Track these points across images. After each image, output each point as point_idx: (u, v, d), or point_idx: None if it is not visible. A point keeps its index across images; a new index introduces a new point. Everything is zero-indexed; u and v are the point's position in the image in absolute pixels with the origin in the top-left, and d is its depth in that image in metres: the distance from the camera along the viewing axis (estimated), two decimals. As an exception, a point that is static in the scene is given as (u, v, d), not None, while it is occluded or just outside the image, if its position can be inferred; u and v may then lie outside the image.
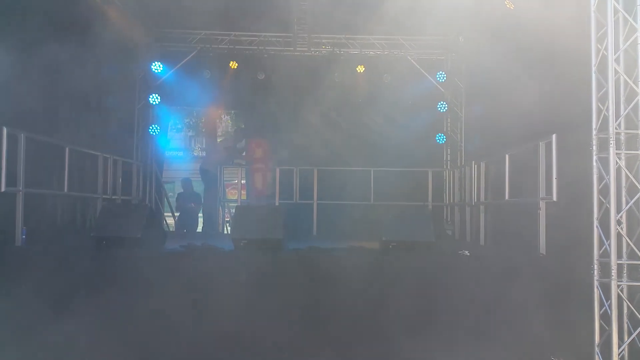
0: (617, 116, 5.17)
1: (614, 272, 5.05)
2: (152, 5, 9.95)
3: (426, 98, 11.99)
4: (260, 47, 11.93)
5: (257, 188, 12.06)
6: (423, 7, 8.88)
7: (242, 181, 12.62)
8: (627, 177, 5.21)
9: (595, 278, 5.19)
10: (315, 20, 10.58)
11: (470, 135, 11.55)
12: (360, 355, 6.04)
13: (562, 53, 6.42)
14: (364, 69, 11.94)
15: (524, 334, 5.79)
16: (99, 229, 7.27)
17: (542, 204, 6.74)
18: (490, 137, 9.65)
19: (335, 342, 6.07)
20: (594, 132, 5.26)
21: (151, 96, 11.51)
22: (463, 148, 11.95)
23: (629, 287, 5.17)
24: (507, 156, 7.85)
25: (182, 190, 13.88)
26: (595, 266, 5.19)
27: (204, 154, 20.43)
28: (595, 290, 5.19)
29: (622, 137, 5.21)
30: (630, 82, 5.19)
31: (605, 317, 5.13)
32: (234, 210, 10.36)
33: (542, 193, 6.68)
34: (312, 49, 12.11)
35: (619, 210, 5.14)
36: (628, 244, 5.16)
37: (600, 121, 5.24)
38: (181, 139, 24.14)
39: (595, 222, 5.21)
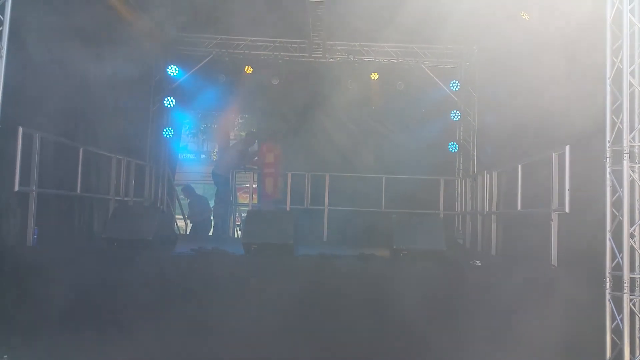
0: (631, 129, 5.15)
1: (626, 286, 5.02)
2: (170, 10, 10.02)
3: (439, 106, 11.99)
4: (275, 53, 11.98)
5: (268, 192, 12.08)
6: (438, 16, 8.89)
7: (254, 185, 12.65)
8: (640, 190, 5.18)
9: (607, 291, 5.16)
10: (331, 27, 10.61)
11: (483, 144, 11.51)
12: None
13: (576, 64, 6.40)
14: (378, 76, 11.94)
15: (535, 346, 5.74)
16: (111, 231, 7.32)
17: (554, 215, 6.71)
18: (503, 147, 9.61)
19: (343, 348, 6.06)
20: (608, 145, 5.24)
21: (166, 99, 11.59)
22: (475, 157, 11.89)
23: (642, 301, 5.13)
24: (519, 166, 7.82)
25: (187, 200, 13.85)
26: (608, 279, 5.16)
27: (216, 157, 20.49)
28: (607, 303, 5.16)
29: (636, 150, 5.18)
30: (645, 96, 5.17)
31: (617, 332, 5.09)
32: (245, 215, 10.38)
33: (554, 204, 6.65)
34: (326, 56, 12.14)
35: (632, 223, 5.11)
36: (641, 258, 5.12)
37: (614, 133, 5.23)
38: (195, 142, 24.25)
39: (608, 235, 5.18)
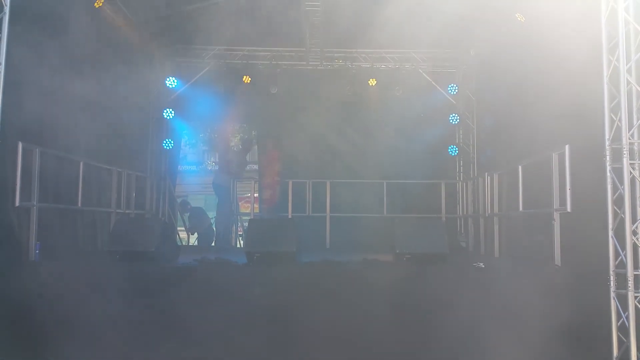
0: (630, 126, 5.16)
1: (630, 283, 5.01)
2: (168, 22, 10.07)
3: (438, 110, 12.01)
4: (273, 62, 12.00)
5: (268, 199, 12.08)
6: (435, 21, 8.90)
7: (255, 195, 12.65)
8: (641, 187, 5.18)
9: (612, 289, 5.15)
10: (328, 35, 10.64)
11: (483, 146, 11.52)
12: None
13: (573, 64, 6.41)
14: (376, 82, 11.96)
15: (542, 346, 5.72)
16: (113, 243, 7.32)
17: (556, 215, 6.70)
18: (503, 149, 9.62)
19: (349, 353, 6.05)
20: (607, 143, 5.25)
21: (165, 110, 11.62)
22: (475, 160, 11.91)
23: (646, 298, 5.12)
24: (519, 167, 7.82)
25: (186, 214, 13.79)
26: (612, 277, 5.15)
27: (217, 168, 20.49)
28: (612, 302, 5.15)
29: (636, 147, 5.19)
30: (643, 93, 5.17)
31: (623, 329, 5.07)
32: (247, 224, 10.39)
33: (556, 204, 6.65)
34: (324, 63, 12.17)
35: (634, 220, 5.11)
36: (644, 255, 5.12)
37: (613, 131, 5.24)
38: (195, 153, 24.26)
39: (611, 233, 5.18)
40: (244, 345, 6.12)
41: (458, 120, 11.97)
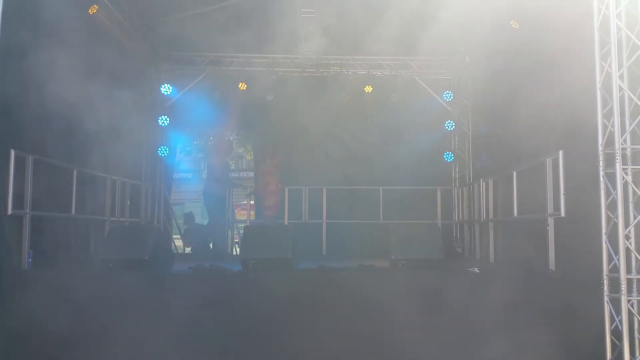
0: (623, 132, 5.18)
1: (623, 287, 5.03)
2: (162, 28, 10.08)
3: (433, 117, 12.03)
4: (269, 69, 12.01)
5: (272, 206, 12.02)
6: (430, 28, 8.93)
7: (252, 202, 12.61)
8: (634, 192, 5.20)
9: (605, 293, 5.16)
10: (323, 42, 10.66)
11: (478, 153, 11.55)
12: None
13: (566, 70, 6.44)
14: (371, 89, 11.98)
15: (536, 350, 5.72)
16: (106, 251, 7.29)
17: (550, 220, 6.72)
18: (498, 155, 9.65)
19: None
20: (600, 148, 5.28)
21: (160, 118, 11.60)
22: (471, 166, 11.93)
23: (640, 302, 5.12)
24: (514, 173, 7.84)
25: (186, 226, 13.76)
26: (605, 281, 5.16)
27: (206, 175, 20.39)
28: (606, 305, 5.16)
29: (629, 153, 5.23)
30: (635, 99, 5.20)
31: (617, 333, 5.08)
32: (242, 231, 10.37)
33: (550, 209, 6.66)
34: (320, 70, 12.19)
35: (627, 225, 5.12)
36: (637, 259, 5.13)
37: (606, 137, 5.26)
38: (191, 160, 24.25)
39: (604, 237, 5.20)
40: (238, 352, 6.11)
41: (453, 126, 11.98)
